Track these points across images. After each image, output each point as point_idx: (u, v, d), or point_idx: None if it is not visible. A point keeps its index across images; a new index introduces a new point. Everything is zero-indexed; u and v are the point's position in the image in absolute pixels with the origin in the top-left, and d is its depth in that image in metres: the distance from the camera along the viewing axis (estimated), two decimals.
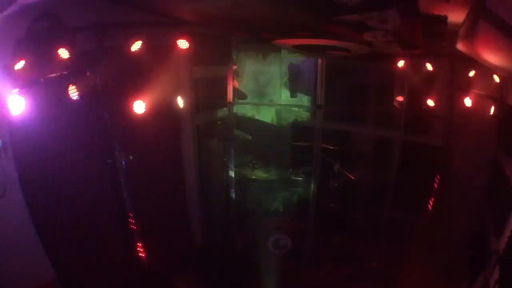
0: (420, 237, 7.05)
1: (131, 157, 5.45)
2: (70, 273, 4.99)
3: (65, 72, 4.45)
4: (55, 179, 4.83)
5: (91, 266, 5.15)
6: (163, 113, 5.83)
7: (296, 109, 9.09)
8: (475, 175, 6.55)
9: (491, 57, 3.86)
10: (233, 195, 7.23)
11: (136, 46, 4.89)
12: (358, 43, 4.73)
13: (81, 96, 4.50)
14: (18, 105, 3.97)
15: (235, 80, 6.98)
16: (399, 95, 7.41)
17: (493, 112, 5.68)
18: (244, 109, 8.95)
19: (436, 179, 6.50)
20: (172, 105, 5.82)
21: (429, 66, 6.29)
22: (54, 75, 4.38)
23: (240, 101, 7.67)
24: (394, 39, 4.25)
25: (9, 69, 4.01)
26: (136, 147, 5.68)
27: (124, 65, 5.46)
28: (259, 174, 8.27)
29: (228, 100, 6.87)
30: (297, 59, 8.79)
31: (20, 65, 4.05)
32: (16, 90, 4.00)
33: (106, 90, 5.13)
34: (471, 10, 3.11)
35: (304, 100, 9.11)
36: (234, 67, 6.87)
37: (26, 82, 4.16)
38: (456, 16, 3.50)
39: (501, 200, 5.38)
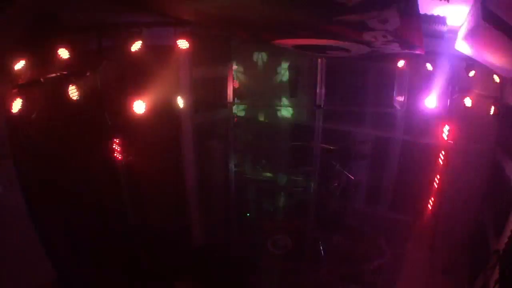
0: (420, 237, 7.05)
1: (131, 157, 5.46)
2: (70, 273, 4.99)
3: (65, 72, 4.45)
4: (55, 179, 4.83)
5: (91, 266, 5.15)
6: (163, 113, 5.84)
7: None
8: (475, 175, 6.55)
9: (491, 57, 3.86)
10: (233, 195, 7.23)
11: (136, 46, 4.89)
12: (358, 43, 4.72)
13: (81, 96, 4.50)
14: (18, 104, 3.98)
15: (235, 80, 6.98)
16: (399, 95, 7.40)
17: (493, 112, 5.68)
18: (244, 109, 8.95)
19: (436, 179, 6.50)
20: (172, 105, 5.82)
21: (429, 66, 6.29)
22: (54, 75, 4.39)
23: (240, 101, 7.67)
24: (394, 39, 4.24)
25: (9, 69, 4.00)
26: (136, 147, 5.68)
27: (124, 65, 5.46)
28: (259, 174, 8.26)
29: (228, 100, 6.87)
30: (297, 59, 8.78)
31: (20, 65, 4.05)
32: (16, 90, 4.01)
33: (106, 90, 5.13)
34: (471, 10, 3.12)
35: (304, 100, 9.10)
36: (234, 67, 6.86)
37: (26, 82, 4.17)
38: (456, 16, 3.50)
39: (501, 200, 5.38)
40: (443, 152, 6.33)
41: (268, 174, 8.31)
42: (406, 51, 5.31)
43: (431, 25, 3.68)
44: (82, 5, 4.63)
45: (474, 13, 2.94)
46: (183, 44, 5.23)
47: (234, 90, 6.83)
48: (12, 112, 3.95)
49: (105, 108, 5.15)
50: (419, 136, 7.38)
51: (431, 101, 6.63)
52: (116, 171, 5.45)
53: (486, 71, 5.51)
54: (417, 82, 6.82)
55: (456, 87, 6.32)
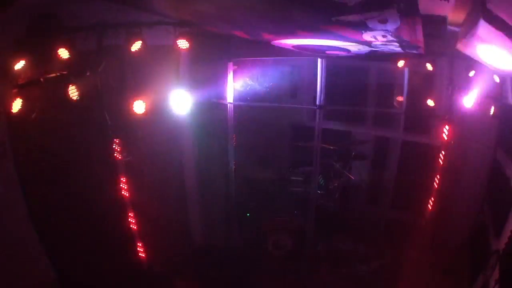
0: (420, 237, 7.05)
1: (131, 157, 5.46)
2: (70, 273, 4.99)
3: (65, 72, 4.45)
4: (55, 179, 4.83)
5: (91, 266, 5.15)
6: (163, 113, 5.84)
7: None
8: (475, 175, 6.55)
9: (491, 57, 3.85)
10: (233, 195, 7.23)
11: (136, 46, 4.89)
12: (358, 43, 4.73)
13: (81, 96, 4.50)
14: (18, 104, 3.98)
15: (235, 80, 6.98)
16: (399, 95, 7.41)
17: (493, 112, 5.69)
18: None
19: (436, 179, 6.50)
20: (172, 105, 5.81)
21: (429, 66, 6.29)
22: (54, 75, 4.38)
23: (240, 101, 7.67)
24: (394, 39, 4.25)
25: (9, 69, 4.00)
26: (136, 147, 5.68)
27: (124, 65, 5.46)
28: (259, 174, 8.26)
29: (227, 100, 6.87)
30: (297, 59, 8.78)
31: (20, 65, 4.05)
32: (16, 90, 4.01)
33: (106, 90, 5.13)
34: (471, 10, 3.11)
35: (304, 100, 9.10)
36: (234, 67, 6.86)
37: (26, 82, 4.17)
38: (456, 16, 3.50)
39: (501, 200, 5.38)
40: (443, 152, 6.34)
41: (268, 174, 8.31)
42: (406, 51, 5.32)
43: (431, 25, 3.68)
44: (82, 5, 4.63)
45: (474, 13, 2.93)
46: (183, 44, 5.23)
47: (234, 90, 6.83)
48: (12, 112, 3.95)
49: (105, 108, 5.14)
50: (419, 136, 7.39)
51: (430, 101, 6.65)
52: (116, 170, 5.44)
53: (486, 71, 5.51)
54: (417, 82, 6.83)
55: (456, 87, 6.33)
